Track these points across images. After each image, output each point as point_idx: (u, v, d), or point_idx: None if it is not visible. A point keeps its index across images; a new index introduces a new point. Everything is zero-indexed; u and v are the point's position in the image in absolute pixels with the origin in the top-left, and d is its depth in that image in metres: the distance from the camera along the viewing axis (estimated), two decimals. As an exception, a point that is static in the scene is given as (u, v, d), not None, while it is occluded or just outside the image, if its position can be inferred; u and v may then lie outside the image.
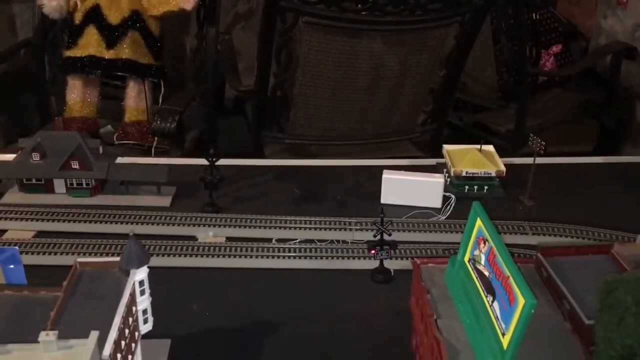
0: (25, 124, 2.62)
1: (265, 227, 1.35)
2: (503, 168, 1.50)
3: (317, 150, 2.25)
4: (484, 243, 0.90)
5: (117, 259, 0.87)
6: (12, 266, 0.87)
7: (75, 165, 1.37)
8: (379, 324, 1.12)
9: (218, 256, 1.25)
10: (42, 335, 0.71)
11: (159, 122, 2.03)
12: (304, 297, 1.18)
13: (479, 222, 0.92)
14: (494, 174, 1.50)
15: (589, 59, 3.11)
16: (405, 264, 1.22)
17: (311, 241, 1.31)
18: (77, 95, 2.30)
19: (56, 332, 0.71)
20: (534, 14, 2.98)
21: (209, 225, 1.34)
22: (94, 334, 0.71)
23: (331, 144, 2.23)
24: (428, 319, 0.91)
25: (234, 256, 1.25)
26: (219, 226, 1.34)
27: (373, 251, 1.19)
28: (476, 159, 1.51)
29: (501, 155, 1.57)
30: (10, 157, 1.45)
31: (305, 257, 1.27)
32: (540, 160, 1.48)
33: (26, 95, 2.64)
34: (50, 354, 0.71)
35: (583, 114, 2.98)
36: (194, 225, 1.34)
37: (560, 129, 2.88)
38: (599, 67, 3.02)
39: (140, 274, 0.87)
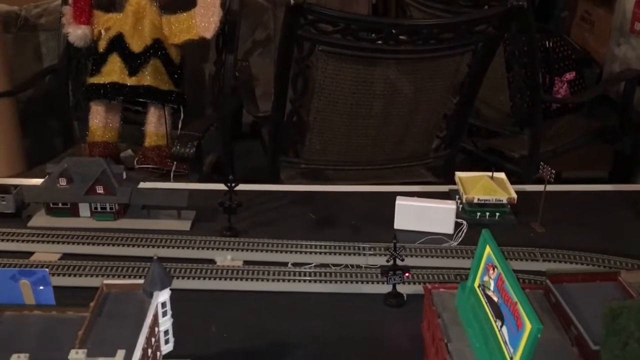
0: (49, 147, 2.69)
1: (281, 251, 1.38)
2: (514, 195, 1.53)
3: (332, 175, 2.29)
4: (493, 269, 0.93)
5: (141, 281, 0.92)
6: (41, 287, 0.92)
7: (100, 190, 1.42)
8: (392, 347, 1.14)
9: (236, 279, 1.29)
10: (72, 354, 0.75)
11: (178, 147, 2.09)
12: (319, 320, 1.21)
13: (488, 249, 0.95)
14: (505, 201, 1.53)
15: (603, 86, 3.13)
16: (418, 289, 1.25)
17: (326, 265, 1.35)
18: (100, 120, 2.36)
19: (85, 350, 0.75)
20: (547, 42, 3.02)
21: (228, 249, 1.38)
22: (121, 353, 0.76)
23: (346, 169, 2.27)
24: (439, 342, 0.94)
25: (251, 279, 1.29)
26: (237, 250, 1.38)
27: (386, 276, 1.23)
28: (488, 186, 1.54)
29: (515, 181, 1.60)
30: (37, 181, 1.51)
31: (320, 281, 1.30)
32: (552, 187, 1.51)
33: (50, 120, 2.71)
34: (79, 371, 0.75)
35: (597, 140, 3.00)
36: (212, 249, 1.38)
37: (575, 155, 2.90)
38: (612, 94, 3.05)
39: (163, 295, 0.91)
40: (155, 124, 2.37)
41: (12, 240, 1.38)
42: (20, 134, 2.60)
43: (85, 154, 2.29)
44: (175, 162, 2.24)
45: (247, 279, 1.29)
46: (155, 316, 0.90)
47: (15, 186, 1.47)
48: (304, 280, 1.30)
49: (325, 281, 1.30)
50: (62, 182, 1.43)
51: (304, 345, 1.13)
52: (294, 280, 1.30)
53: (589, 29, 3.38)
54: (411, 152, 2.29)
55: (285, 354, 1.12)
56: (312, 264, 1.35)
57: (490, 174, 1.59)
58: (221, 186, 1.44)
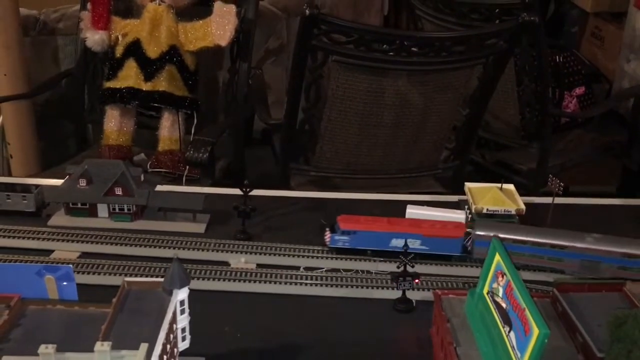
0: (63, 149, 2.74)
1: (293, 256, 1.42)
2: (523, 207, 1.55)
3: (341, 183, 2.31)
4: (502, 276, 0.96)
5: (161, 279, 0.95)
6: (65, 283, 0.95)
7: (118, 191, 1.46)
8: (401, 351, 1.17)
9: (249, 281, 1.33)
10: (98, 345, 0.78)
11: (192, 152, 2.12)
12: (329, 323, 1.24)
13: (497, 257, 0.98)
14: (514, 212, 1.55)
15: (612, 102, 3.15)
16: (426, 295, 1.28)
17: (337, 270, 1.38)
18: (115, 124, 2.39)
19: (110, 342, 0.78)
20: (557, 56, 3.05)
21: (241, 252, 1.41)
22: (144, 346, 0.79)
23: (355, 178, 2.30)
24: (448, 346, 0.97)
25: (264, 282, 1.33)
26: (251, 253, 1.41)
27: (396, 282, 1.26)
28: (497, 197, 1.56)
29: (522, 194, 1.63)
30: (57, 182, 1.54)
31: (331, 285, 1.33)
32: (560, 200, 1.53)
33: (65, 122, 2.76)
34: (103, 363, 0.78)
35: (605, 154, 3.02)
36: (227, 252, 1.41)
37: (583, 170, 2.92)
38: (621, 109, 3.07)
39: (182, 294, 0.94)
40: (168, 129, 2.40)
41: (33, 238, 1.41)
42: (36, 135, 2.64)
43: (105, 155, 2.32)
44: (187, 167, 2.27)
45: (260, 282, 1.33)
46: (174, 313, 0.93)
47: (36, 186, 1.51)
48: (315, 284, 1.33)
49: (336, 285, 1.33)
50: (82, 183, 1.46)
51: (314, 347, 1.16)
52: (306, 284, 1.33)
53: (599, 44, 3.41)
54: (420, 163, 2.32)
55: (295, 356, 1.15)
56: (323, 268, 1.38)
57: (499, 185, 1.61)
58: (234, 191, 1.47)
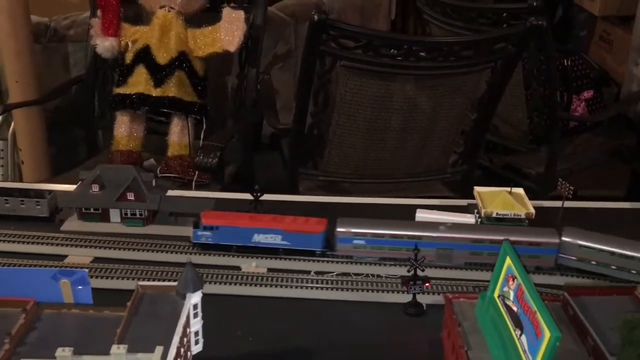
0: (73, 155, 2.76)
1: (304, 260, 1.42)
2: (532, 210, 1.55)
3: (349, 188, 2.32)
4: (513, 280, 0.96)
5: (175, 283, 0.96)
6: (80, 287, 0.96)
7: (130, 196, 1.47)
8: (412, 355, 1.18)
9: (260, 285, 1.34)
10: (114, 348, 0.79)
11: (201, 157, 2.13)
12: (340, 326, 1.25)
13: (508, 261, 0.99)
14: (523, 216, 1.55)
15: (620, 105, 3.14)
16: (437, 299, 1.28)
17: (347, 274, 1.39)
18: (125, 129, 2.42)
19: (126, 345, 0.79)
20: (565, 60, 3.05)
21: (252, 257, 1.42)
22: (159, 349, 0.80)
23: (364, 182, 2.30)
24: (459, 350, 0.97)
25: (275, 286, 1.34)
26: (261, 257, 1.42)
27: (406, 286, 1.26)
28: (506, 201, 1.56)
29: (531, 198, 1.63)
30: (69, 187, 1.56)
31: (342, 289, 1.34)
32: (569, 204, 1.53)
33: (75, 128, 2.78)
34: (119, 366, 0.79)
35: (614, 158, 3.01)
36: (238, 256, 1.42)
37: (592, 173, 2.92)
38: (630, 113, 3.06)
39: (195, 297, 0.95)
40: (178, 134, 2.42)
41: (46, 244, 1.43)
42: (47, 141, 2.66)
43: (115, 161, 2.34)
44: (197, 172, 2.29)
45: (271, 286, 1.34)
46: (188, 317, 0.94)
47: (49, 191, 1.53)
48: (326, 288, 1.34)
49: (347, 289, 1.34)
50: (95, 188, 1.48)
51: (325, 351, 1.17)
52: (316, 288, 1.34)
53: (607, 48, 3.40)
54: (428, 167, 2.32)
55: (307, 359, 1.15)
56: (333, 272, 1.39)
57: (509, 189, 1.61)
58: (244, 196, 1.48)
